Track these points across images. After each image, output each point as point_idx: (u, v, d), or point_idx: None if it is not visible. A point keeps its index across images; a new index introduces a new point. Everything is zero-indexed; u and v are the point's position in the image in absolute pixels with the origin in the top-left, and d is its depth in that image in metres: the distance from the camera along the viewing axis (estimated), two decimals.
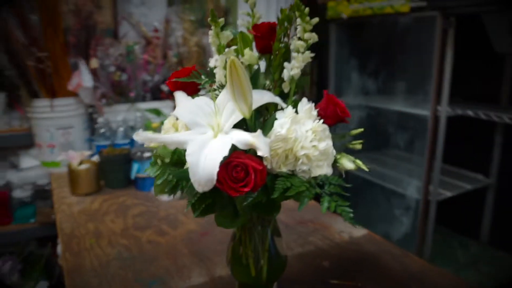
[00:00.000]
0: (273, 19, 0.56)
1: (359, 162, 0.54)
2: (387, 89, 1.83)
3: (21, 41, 1.28)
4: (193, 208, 0.56)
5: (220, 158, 0.46)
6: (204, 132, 0.52)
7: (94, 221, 1.03)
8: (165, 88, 1.60)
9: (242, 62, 0.55)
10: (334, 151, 0.53)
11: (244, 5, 1.41)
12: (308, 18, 0.50)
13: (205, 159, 0.47)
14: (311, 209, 1.07)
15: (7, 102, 1.68)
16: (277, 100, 0.51)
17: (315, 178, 0.51)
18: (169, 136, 0.50)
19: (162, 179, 0.56)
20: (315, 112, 0.53)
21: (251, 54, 0.53)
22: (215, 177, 0.46)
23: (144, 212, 1.08)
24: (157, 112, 1.51)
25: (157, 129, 1.49)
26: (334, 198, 0.48)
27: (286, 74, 0.53)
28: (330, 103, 0.58)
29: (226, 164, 0.48)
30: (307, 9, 0.50)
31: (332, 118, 0.58)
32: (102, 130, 1.46)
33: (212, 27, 0.50)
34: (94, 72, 1.42)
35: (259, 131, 0.48)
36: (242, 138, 0.48)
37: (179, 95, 0.57)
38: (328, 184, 0.50)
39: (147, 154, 1.29)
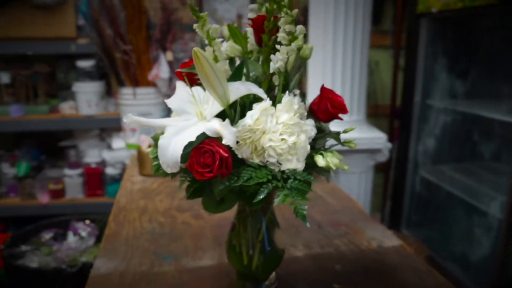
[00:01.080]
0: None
1: (337, 162, 0.51)
2: (476, 92, 1.63)
3: (110, 35, 1.46)
4: (186, 190, 0.60)
5: (185, 143, 0.49)
6: (189, 119, 0.54)
7: (146, 198, 1.14)
8: None
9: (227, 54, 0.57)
10: (308, 147, 0.51)
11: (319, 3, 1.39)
12: (287, 9, 0.49)
13: (175, 143, 0.50)
14: (351, 212, 1.02)
15: (106, 89, 1.93)
16: (255, 91, 0.52)
17: (283, 172, 0.50)
18: (153, 120, 0.54)
19: (157, 161, 0.60)
20: (296, 106, 0.52)
21: (232, 46, 0.54)
22: (179, 159, 0.48)
23: None
24: None
25: None
26: (294, 193, 0.47)
27: (272, 66, 0.53)
28: (323, 97, 0.55)
29: (197, 149, 0.50)
30: (286, 0, 0.49)
31: (324, 113, 0.56)
32: None
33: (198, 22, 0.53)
34: (171, 64, 1.55)
35: (226, 120, 0.49)
36: (212, 126, 0.49)
37: (179, 84, 0.61)
38: (292, 179, 0.48)
39: None
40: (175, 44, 1.52)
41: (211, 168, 0.49)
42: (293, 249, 0.84)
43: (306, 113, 0.55)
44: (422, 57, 1.72)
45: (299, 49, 0.60)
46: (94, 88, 1.88)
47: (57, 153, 2.15)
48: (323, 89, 0.56)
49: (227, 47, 0.55)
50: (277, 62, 0.53)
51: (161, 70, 1.53)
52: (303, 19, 1.59)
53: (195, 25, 0.53)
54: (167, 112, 1.72)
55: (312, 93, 1.50)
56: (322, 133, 0.59)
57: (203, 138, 0.50)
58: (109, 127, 1.95)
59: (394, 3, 2.10)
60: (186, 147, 0.50)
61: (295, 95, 0.54)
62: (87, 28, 1.51)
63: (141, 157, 1.38)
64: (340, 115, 0.56)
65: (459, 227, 1.65)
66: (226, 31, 0.59)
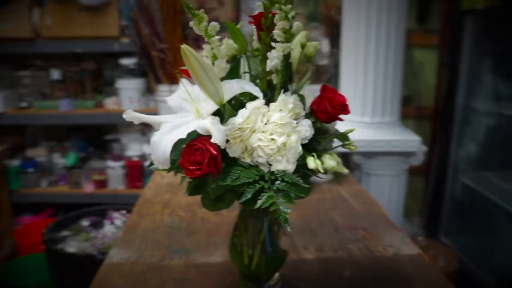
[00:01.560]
0: None
1: (334, 164, 0.50)
2: None
3: (147, 34, 1.52)
4: (187, 187, 0.61)
5: (175, 140, 0.50)
6: (186, 116, 0.55)
7: (171, 193, 1.18)
8: None
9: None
10: (300, 148, 0.50)
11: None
12: (281, 5, 0.49)
13: (166, 140, 0.51)
14: (373, 216, 0.99)
15: (147, 86, 2.01)
16: (248, 89, 0.51)
17: (272, 173, 0.49)
18: (152, 116, 0.56)
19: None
20: (291, 105, 0.51)
21: (228, 43, 0.54)
22: (168, 156, 0.50)
23: None
24: None
25: None
26: (279, 196, 0.47)
27: (268, 64, 0.53)
28: (323, 96, 0.54)
29: (189, 147, 0.51)
30: None
31: (324, 113, 0.54)
32: None
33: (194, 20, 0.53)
34: None
35: (216, 118, 0.50)
36: (202, 123, 0.50)
37: (183, 82, 0.62)
38: (280, 181, 0.48)
39: None
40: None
41: (200, 166, 0.50)
42: (304, 251, 0.83)
43: (303, 113, 0.54)
44: (466, 56, 1.62)
45: (302, 47, 0.59)
46: (135, 85, 1.97)
47: (103, 145, 2.27)
48: (323, 88, 0.55)
49: (225, 45, 0.55)
50: (273, 60, 0.52)
51: None
52: (338, 18, 1.56)
53: (191, 23, 0.54)
54: None
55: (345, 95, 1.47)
56: (324, 134, 0.58)
57: (195, 136, 0.50)
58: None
59: (440, 0, 1.99)
60: (178, 144, 0.51)
61: (299, 95, 0.53)
62: (129, 28, 1.58)
63: None
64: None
65: (501, 238, 1.54)
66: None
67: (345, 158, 1.47)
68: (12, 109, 2.08)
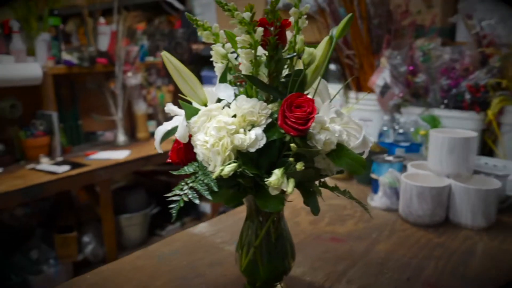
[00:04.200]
0: None
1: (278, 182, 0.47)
2: None
3: (338, 41, 1.56)
4: None
5: (164, 130, 0.59)
6: None
7: None
8: (467, 96, 1.38)
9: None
10: (232, 154, 0.49)
11: None
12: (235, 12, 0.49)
13: (159, 129, 0.61)
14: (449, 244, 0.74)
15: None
16: (221, 95, 0.54)
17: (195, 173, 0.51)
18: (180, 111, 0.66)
19: None
20: (245, 111, 0.51)
21: (216, 50, 0.57)
22: (158, 142, 0.59)
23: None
24: (432, 121, 1.37)
25: (424, 137, 1.36)
26: (189, 194, 0.48)
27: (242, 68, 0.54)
28: (286, 107, 0.50)
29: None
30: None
31: (286, 126, 0.50)
32: (385, 128, 1.51)
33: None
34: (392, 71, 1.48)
35: (175, 120, 0.56)
36: (178, 120, 0.57)
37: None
38: (196, 179, 0.49)
39: (388, 158, 1.26)
40: (395, 49, 1.43)
41: (172, 154, 0.58)
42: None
43: (263, 121, 0.51)
44: None
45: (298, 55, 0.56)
46: (336, 90, 2.03)
47: None
48: (291, 96, 0.50)
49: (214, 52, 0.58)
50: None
51: (378, 77, 1.49)
52: None
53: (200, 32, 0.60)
54: (389, 120, 1.65)
55: None
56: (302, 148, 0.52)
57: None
58: None
59: None
60: (166, 135, 0.60)
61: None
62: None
63: None
64: None
65: None
66: None
67: None
68: None
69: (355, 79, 1.64)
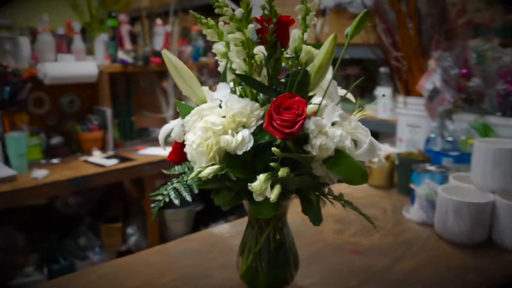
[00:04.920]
0: None
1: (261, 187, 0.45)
2: None
3: (385, 43, 1.48)
4: None
5: (165, 129, 0.59)
6: None
7: None
8: None
9: None
10: (215, 156, 0.47)
11: None
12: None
13: (162, 128, 0.61)
14: None
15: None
16: (208, 95, 0.53)
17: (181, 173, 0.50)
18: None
19: None
20: (234, 111, 0.49)
21: (216, 48, 0.55)
22: (160, 139, 0.59)
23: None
24: (483, 129, 1.24)
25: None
26: (171, 194, 0.47)
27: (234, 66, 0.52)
28: (274, 108, 0.47)
29: None
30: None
31: (272, 129, 0.48)
32: (432, 135, 1.40)
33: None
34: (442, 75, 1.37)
35: (179, 119, 0.55)
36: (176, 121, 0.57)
37: None
38: (181, 180, 0.48)
39: (430, 168, 1.17)
40: (447, 51, 1.31)
41: (171, 153, 0.58)
42: None
43: (253, 123, 0.49)
44: None
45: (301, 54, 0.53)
46: (390, 93, 1.92)
47: None
48: (281, 97, 0.47)
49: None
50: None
51: (427, 80, 1.38)
52: None
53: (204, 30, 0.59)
54: (438, 127, 1.52)
55: None
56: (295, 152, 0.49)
57: None
58: (389, 132, 1.96)
59: None
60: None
61: None
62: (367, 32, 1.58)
63: (370, 166, 1.36)
64: None
65: None
66: None
67: None
68: None
69: (403, 83, 1.55)
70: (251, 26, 0.48)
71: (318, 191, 0.55)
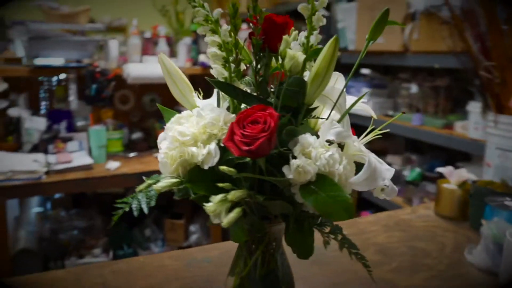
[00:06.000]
0: None
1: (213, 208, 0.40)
2: None
3: (474, 50, 1.28)
4: None
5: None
6: None
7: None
8: None
9: None
10: (178, 168, 0.43)
11: None
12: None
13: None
14: None
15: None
16: (189, 101, 0.49)
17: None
18: None
19: None
20: (206, 121, 0.44)
21: (213, 54, 0.51)
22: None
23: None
24: None
25: None
26: (133, 204, 0.44)
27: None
28: (238, 120, 0.41)
29: None
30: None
31: (230, 144, 0.42)
32: None
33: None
34: None
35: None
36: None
37: None
38: (146, 190, 0.45)
39: (509, 203, 0.97)
40: None
41: None
42: None
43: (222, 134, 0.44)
44: None
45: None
46: (480, 109, 1.67)
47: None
48: (244, 112, 0.41)
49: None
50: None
51: None
52: None
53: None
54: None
55: None
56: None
57: None
58: (480, 155, 1.68)
59: None
60: None
61: None
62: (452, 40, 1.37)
63: (439, 191, 1.18)
64: None
65: None
66: None
67: None
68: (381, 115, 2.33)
69: (495, 97, 1.32)
70: (224, 27, 0.42)
71: (305, 220, 0.47)
